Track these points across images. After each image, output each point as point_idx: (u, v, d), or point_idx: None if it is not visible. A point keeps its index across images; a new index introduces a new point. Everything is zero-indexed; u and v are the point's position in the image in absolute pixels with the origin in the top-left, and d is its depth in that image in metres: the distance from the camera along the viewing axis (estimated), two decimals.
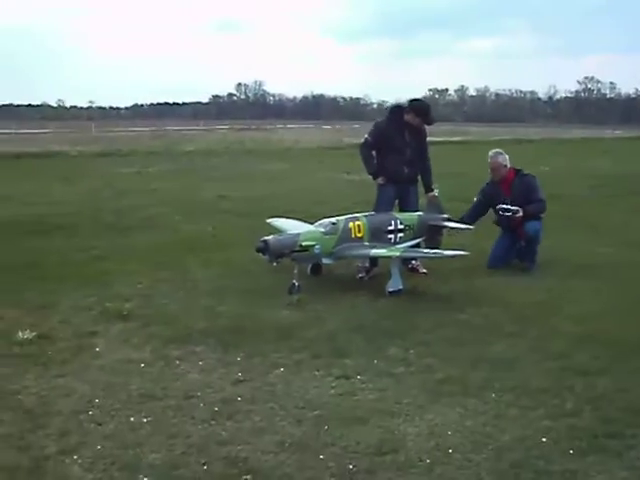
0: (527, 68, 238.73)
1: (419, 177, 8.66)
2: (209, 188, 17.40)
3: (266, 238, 7.27)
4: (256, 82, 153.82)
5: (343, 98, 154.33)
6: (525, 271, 8.62)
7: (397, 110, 8.50)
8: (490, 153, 8.91)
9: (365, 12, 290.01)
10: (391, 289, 7.47)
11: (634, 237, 10.90)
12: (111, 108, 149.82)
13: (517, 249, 8.93)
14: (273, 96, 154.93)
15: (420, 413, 4.68)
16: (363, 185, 18.85)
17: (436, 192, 8.65)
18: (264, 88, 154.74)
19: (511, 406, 4.79)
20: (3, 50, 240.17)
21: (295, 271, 7.45)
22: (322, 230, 7.54)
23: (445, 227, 8.56)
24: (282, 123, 69.83)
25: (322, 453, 4.12)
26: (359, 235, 7.75)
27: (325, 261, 7.73)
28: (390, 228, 8.02)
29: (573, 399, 4.87)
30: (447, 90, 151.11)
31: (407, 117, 8.35)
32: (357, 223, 7.77)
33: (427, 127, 8.63)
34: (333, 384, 5.15)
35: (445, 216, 8.69)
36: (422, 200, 8.87)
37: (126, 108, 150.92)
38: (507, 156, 8.82)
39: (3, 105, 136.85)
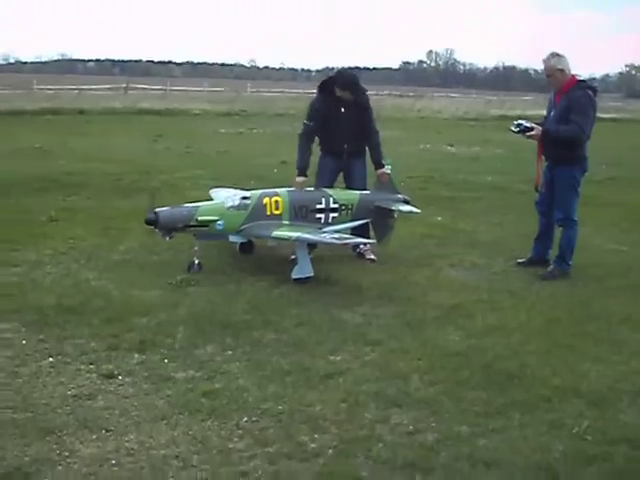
0: None
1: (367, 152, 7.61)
2: (285, 153, 16.72)
3: (158, 209, 6.61)
4: (447, 50, 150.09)
5: (535, 70, 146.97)
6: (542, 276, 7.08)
7: (327, 84, 7.44)
8: (544, 57, 6.97)
9: None
10: (296, 276, 6.60)
11: None
12: (302, 70, 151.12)
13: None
14: (464, 65, 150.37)
15: (130, 431, 3.94)
16: (457, 159, 17.85)
17: (388, 169, 7.53)
18: (455, 57, 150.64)
19: (224, 439, 3.90)
20: (199, 10, 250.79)
21: (195, 248, 6.77)
22: (228, 205, 6.75)
23: (393, 210, 7.43)
24: (466, 92, 66.64)
25: None
26: (276, 212, 6.89)
27: (233, 239, 6.95)
28: (319, 207, 7.07)
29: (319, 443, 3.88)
30: None
31: (338, 93, 7.33)
32: (274, 199, 6.90)
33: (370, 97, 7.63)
34: (84, 383, 4.50)
35: (400, 197, 7.58)
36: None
37: (317, 71, 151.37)
38: (565, 59, 6.91)
39: (198, 63, 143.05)
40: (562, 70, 6.88)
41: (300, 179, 7.34)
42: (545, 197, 7.27)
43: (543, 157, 7.13)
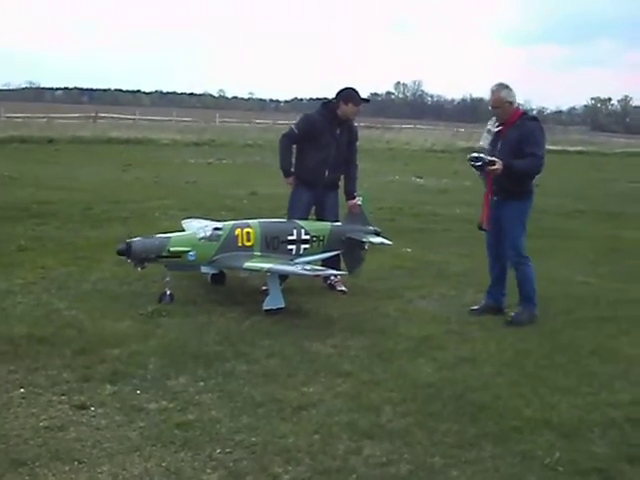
0: None
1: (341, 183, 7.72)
2: (255, 184, 16.81)
3: (130, 240, 6.60)
4: (415, 82, 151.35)
5: None
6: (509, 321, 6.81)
7: (330, 104, 7.56)
8: (492, 87, 6.77)
9: (536, 17, 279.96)
10: (267, 307, 6.62)
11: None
12: (271, 100, 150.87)
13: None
14: (431, 97, 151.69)
15: (103, 462, 3.91)
16: (426, 190, 18.02)
17: (359, 200, 7.62)
18: (423, 88, 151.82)
19: (197, 470, 3.90)
20: (172, 42, 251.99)
21: (167, 279, 6.77)
22: (200, 236, 6.77)
23: (364, 242, 7.49)
24: (433, 124, 67.23)
25: None
26: (248, 244, 6.91)
27: (205, 270, 6.96)
28: (291, 238, 7.11)
29: (292, 474, 3.90)
30: (610, 100, 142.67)
31: (340, 110, 7.45)
32: (246, 230, 6.93)
33: (357, 127, 7.79)
34: (56, 414, 4.45)
35: (372, 229, 7.65)
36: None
37: (286, 101, 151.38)
38: (514, 92, 6.74)
39: (167, 92, 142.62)
40: (511, 103, 6.74)
41: (289, 180, 7.56)
42: (494, 237, 7.03)
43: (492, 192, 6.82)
